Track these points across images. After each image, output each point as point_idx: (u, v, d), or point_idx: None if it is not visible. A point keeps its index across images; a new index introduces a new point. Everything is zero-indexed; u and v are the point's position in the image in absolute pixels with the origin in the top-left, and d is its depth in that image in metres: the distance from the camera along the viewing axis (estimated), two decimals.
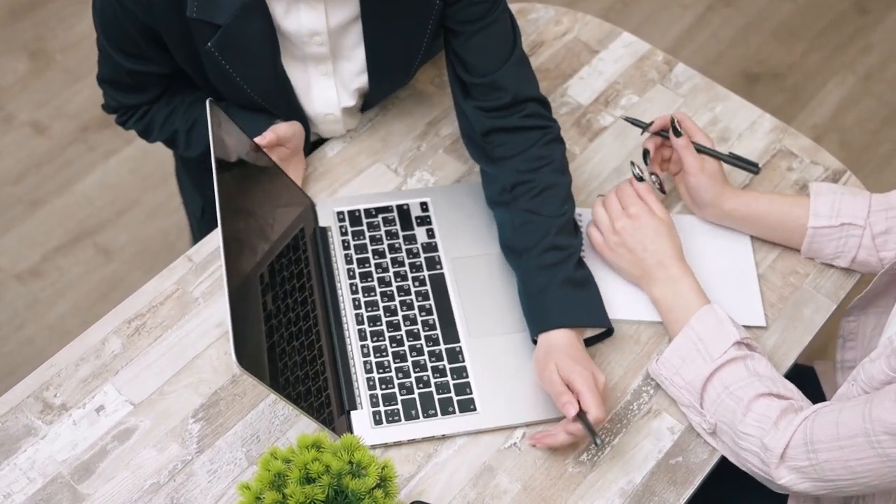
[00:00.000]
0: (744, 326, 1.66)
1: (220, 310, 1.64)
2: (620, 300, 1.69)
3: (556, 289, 1.59)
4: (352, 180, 1.80)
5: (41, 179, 3.02)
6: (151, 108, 1.79)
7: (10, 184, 3.00)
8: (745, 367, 1.52)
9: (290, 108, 1.74)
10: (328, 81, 1.73)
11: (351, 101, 1.78)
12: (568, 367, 1.51)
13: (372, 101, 1.84)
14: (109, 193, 2.99)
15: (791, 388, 1.51)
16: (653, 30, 3.37)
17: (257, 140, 1.62)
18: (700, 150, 1.69)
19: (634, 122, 1.76)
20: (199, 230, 2.08)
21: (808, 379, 1.87)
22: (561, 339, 1.57)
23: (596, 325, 1.61)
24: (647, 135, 1.76)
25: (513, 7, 2.01)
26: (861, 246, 1.67)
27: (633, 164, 1.69)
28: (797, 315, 1.69)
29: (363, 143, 1.85)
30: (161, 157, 3.07)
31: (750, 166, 1.71)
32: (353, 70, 1.73)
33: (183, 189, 2.15)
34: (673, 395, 1.58)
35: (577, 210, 1.78)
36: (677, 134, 1.67)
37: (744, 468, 1.53)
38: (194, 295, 1.66)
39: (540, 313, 1.60)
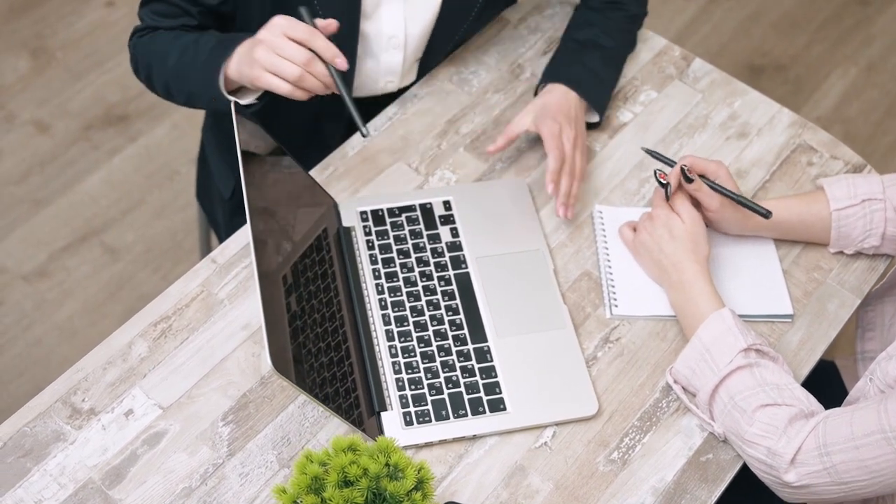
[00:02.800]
0: (772, 317, 1.66)
1: (246, 311, 1.64)
2: (646, 296, 1.69)
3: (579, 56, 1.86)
4: (373, 179, 1.80)
5: (45, 179, 3.00)
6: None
7: (14, 183, 2.99)
8: (752, 375, 1.50)
9: (352, 28, 1.74)
10: (397, 3, 1.74)
11: (417, 27, 1.78)
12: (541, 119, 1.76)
13: (438, 33, 1.83)
14: (115, 192, 2.98)
15: (798, 397, 1.50)
16: (655, 23, 3.37)
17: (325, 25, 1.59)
18: (713, 187, 1.66)
19: (656, 156, 1.73)
20: (225, 213, 2.06)
21: (829, 374, 1.88)
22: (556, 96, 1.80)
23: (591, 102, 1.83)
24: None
25: (529, 4, 2.02)
26: (887, 219, 1.67)
27: (655, 171, 1.67)
28: (822, 310, 1.69)
29: (383, 142, 1.84)
30: (166, 155, 3.07)
31: (762, 211, 1.66)
32: None
33: (207, 173, 2.12)
34: (687, 406, 1.58)
35: (598, 207, 1.78)
36: (688, 180, 1.65)
37: (757, 474, 1.53)
38: (220, 297, 1.65)
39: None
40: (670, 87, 1.94)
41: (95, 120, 3.13)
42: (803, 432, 1.44)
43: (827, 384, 1.84)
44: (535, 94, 1.88)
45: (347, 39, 1.74)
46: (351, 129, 1.86)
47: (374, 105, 1.89)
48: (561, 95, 1.80)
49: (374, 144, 1.84)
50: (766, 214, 1.65)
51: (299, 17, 1.57)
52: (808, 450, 1.43)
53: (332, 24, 1.56)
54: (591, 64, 1.85)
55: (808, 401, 1.49)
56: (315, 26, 1.55)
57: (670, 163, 1.70)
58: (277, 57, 1.53)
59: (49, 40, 3.30)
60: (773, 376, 1.50)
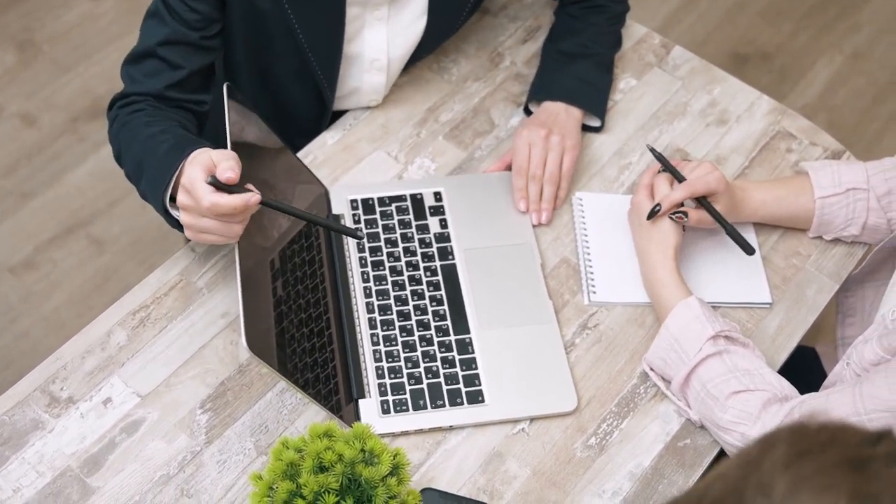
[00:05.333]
0: (750, 305, 1.67)
1: (225, 299, 1.64)
2: (624, 283, 1.69)
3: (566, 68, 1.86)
4: (352, 168, 1.80)
5: (32, 171, 3.00)
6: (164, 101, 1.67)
7: (1, 176, 2.99)
8: (722, 362, 1.51)
9: (334, 54, 1.73)
10: (380, 27, 1.74)
11: (399, 50, 1.78)
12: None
13: (419, 53, 1.84)
14: (101, 184, 2.98)
15: (770, 381, 1.50)
16: (641, 12, 3.37)
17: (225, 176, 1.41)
18: (709, 210, 1.64)
19: (660, 159, 1.69)
20: None
21: (810, 361, 1.88)
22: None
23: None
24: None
25: None
26: (869, 209, 1.67)
27: (651, 149, 1.68)
28: (800, 296, 1.70)
29: (363, 131, 1.84)
30: None
31: (746, 248, 1.64)
32: (409, 16, 1.75)
33: None
34: (664, 393, 1.59)
35: (578, 194, 1.78)
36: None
37: None
38: (198, 285, 1.66)
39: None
40: (650, 75, 1.95)
41: (82, 112, 3.12)
42: (778, 417, 1.44)
43: (808, 371, 1.85)
44: (525, 107, 1.88)
45: (330, 62, 1.75)
46: (315, 132, 1.87)
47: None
48: (543, 109, 1.82)
49: (354, 133, 1.84)
50: (750, 251, 1.65)
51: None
52: None
53: (229, 179, 1.39)
54: (581, 73, 1.85)
55: (781, 385, 1.50)
56: (219, 183, 1.40)
57: (673, 170, 1.67)
58: (201, 234, 1.45)
59: (36, 33, 3.29)
60: (744, 362, 1.51)
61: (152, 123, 1.60)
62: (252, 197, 1.41)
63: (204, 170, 1.40)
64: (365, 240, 1.70)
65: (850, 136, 3.18)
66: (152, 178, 1.52)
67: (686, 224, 1.63)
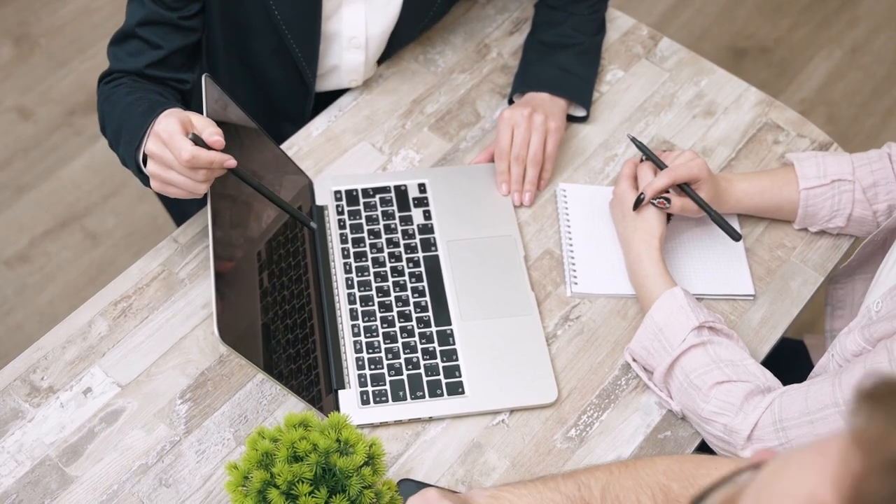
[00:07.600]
0: (733, 297, 1.66)
1: (206, 290, 1.64)
2: (606, 275, 1.69)
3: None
4: (337, 159, 1.80)
5: (28, 164, 3.01)
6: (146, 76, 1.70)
7: None
8: (706, 352, 1.50)
9: (313, 28, 1.73)
10: (359, 4, 1.73)
11: (378, 28, 1.78)
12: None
13: (398, 33, 1.83)
14: (96, 177, 2.99)
15: (753, 372, 1.50)
16: (639, 6, 3.36)
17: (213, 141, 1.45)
18: (693, 198, 1.63)
19: (641, 147, 1.69)
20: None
21: (798, 353, 1.88)
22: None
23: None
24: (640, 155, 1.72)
25: None
26: (855, 201, 1.67)
27: (634, 140, 1.68)
28: (785, 288, 1.69)
29: (348, 122, 1.84)
30: None
31: (733, 234, 1.65)
32: None
33: None
34: (646, 384, 1.58)
35: (562, 186, 1.78)
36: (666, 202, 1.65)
37: (715, 450, 1.53)
38: (180, 276, 1.66)
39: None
40: (637, 66, 1.94)
41: (78, 106, 3.13)
42: (759, 408, 1.44)
43: (796, 363, 1.84)
44: (510, 100, 1.88)
45: (309, 39, 1.74)
46: (300, 114, 1.87)
47: (342, 93, 1.90)
48: (529, 97, 1.81)
49: (339, 124, 1.84)
50: (736, 237, 1.65)
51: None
52: (765, 425, 1.43)
53: (217, 143, 1.44)
54: (563, 63, 1.84)
55: (764, 376, 1.49)
56: (200, 139, 1.43)
57: (654, 159, 1.67)
58: (167, 186, 1.48)
59: (32, 27, 3.30)
60: (728, 353, 1.50)
61: (132, 93, 1.63)
62: (230, 159, 1.45)
63: (180, 123, 1.44)
64: (348, 230, 1.70)
65: (848, 131, 3.18)
66: (128, 140, 1.54)
67: (669, 211, 1.63)
